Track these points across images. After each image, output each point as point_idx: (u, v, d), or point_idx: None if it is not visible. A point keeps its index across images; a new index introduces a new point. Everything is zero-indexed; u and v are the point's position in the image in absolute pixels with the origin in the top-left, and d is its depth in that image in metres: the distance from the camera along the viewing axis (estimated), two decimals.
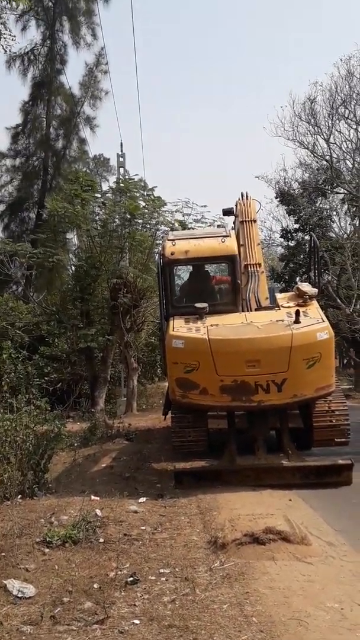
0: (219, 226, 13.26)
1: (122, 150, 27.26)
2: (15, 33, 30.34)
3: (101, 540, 7.15)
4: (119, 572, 6.09)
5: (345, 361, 45.78)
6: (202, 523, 7.96)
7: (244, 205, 13.67)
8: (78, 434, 15.59)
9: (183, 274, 13.15)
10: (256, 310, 11.45)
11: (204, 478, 10.15)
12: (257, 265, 12.44)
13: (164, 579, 6.00)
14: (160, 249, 12.97)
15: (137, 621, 5.04)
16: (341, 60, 27.13)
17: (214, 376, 10.02)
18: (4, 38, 11.06)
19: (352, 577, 5.96)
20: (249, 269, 12.29)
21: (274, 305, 11.52)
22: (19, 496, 9.26)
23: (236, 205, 14.22)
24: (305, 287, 11.31)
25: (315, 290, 11.31)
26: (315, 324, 10.34)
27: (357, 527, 7.78)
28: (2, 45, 11.36)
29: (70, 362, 22.60)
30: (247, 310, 11.46)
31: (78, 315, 19.45)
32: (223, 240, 11.72)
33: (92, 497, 9.21)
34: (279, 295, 11.92)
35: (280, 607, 5.26)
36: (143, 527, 7.81)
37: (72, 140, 34.08)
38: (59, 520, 7.89)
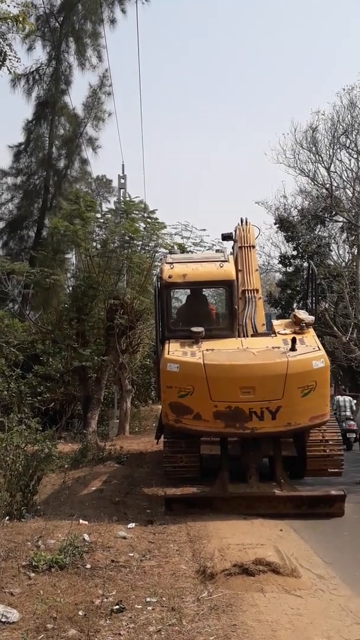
0: (217, 251, 13.25)
1: (123, 172, 27.47)
2: (21, 53, 30.76)
3: (88, 566, 7.05)
4: (105, 600, 5.99)
5: (342, 389, 45.64)
6: (191, 551, 7.86)
7: (243, 230, 13.71)
8: (69, 455, 15.46)
9: (180, 296, 13.13)
10: (252, 336, 11.42)
11: (194, 505, 10.05)
12: (255, 291, 12.44)
13: (150, 608, 5.90)
14: (158, 271, 12.95)
15: None
16: (344, 90, 27.48)
17: (208, 401, 9.94)
18: (9, 59, 11.14)
19: (341, 612, 5.87)
20: (247, 295, 12.28)
21: (270, 331, 11.48)
22: (7, 518, 9.14)
23: (235, 231, 14.27)
24: (302, 314, 11.27)
25: (312, 318, 11.27)
26: (311, 352, 10.29)
27: (348, 560, 7.69)
28: (7, 67, 11.42)
29: (64, 382, 22.49)
30: (244, 336, 11.43)
31: (73, 335, 19.36)
32: (221, 265, 11.69)
33: (81, 521, 9.11)
34: (275, 322, 11.86)
35: None
36: (131, 554, 7.70)
37: (74, 161, 34.25)
38: (46, 544, 7.78)
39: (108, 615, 5.67)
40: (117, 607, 5.82)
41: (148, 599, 6.10)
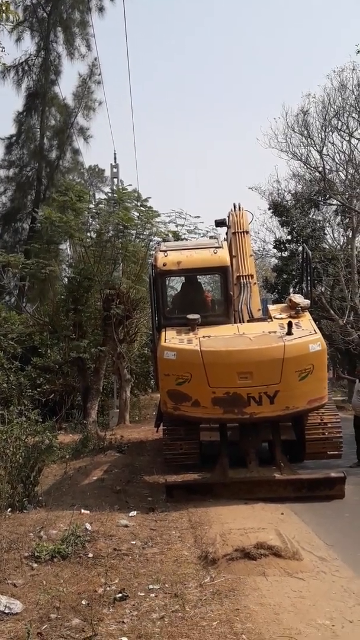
0: (211, 237, 13.22)
1: (115, 161, 27.32)
2: (10, 44, 30.55)
3: (90, 555, 7.07)
4: (108, 588, 6.01)
5: (340, 371, 45.71)
6: (193, 537, 7.89)
7: (236, 216, 13.67)
8: (70, 445, 15.49)
9: (176, 284, 13.11)
10: (248, 321, 11.41)
11: (195, 491, 10.07)
12: (250, 277, 12.43)
13: (153, 595, 5.92)
14: (152, 259, 12.93)
15: (125, 638, 4.96)
16: (334, 72, 27.33)
17: (206, 388, 9.95)
18: None
19: (344, 593, 5.89)
20: (241, 281, 12.26)
21: (266, 316, 11.47)
22: (9, 509, 9.17)
23: (228, 217, 14.23)
24: (298, 298, 11.26)
25: (307, 302, 11.25)
26: (308, 335, 10.28)
27: (349, 541, 7.72)
28: None
29: (63, 373, 22.49)
30: (240, 322, 11.43)
31: (71, 326, 19.34)
32: (215, 251, 11.66)
33: (82, 510, 9.14)
34: (271, 307, 11.86)
35: (271, 624, 5.18)
36: (133, 542, 7.73)
37: (65, 151, 34.06)
38: (48, 535, 7.80)
39: (111, 603, 5.70)
40: (120, 595, 5.85)
41: (151, 586, 6.13)
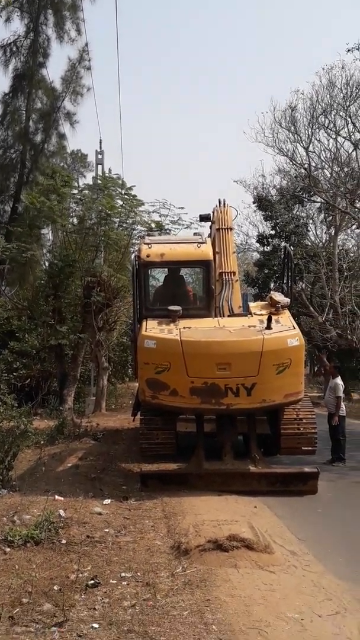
0: (195, 234, 13.33)
1: (100, 147, 27.16)
2: None
3: (63, 541, 7.09)
4: (80, 575, 6.03)
5: (315, 369, 46.04)
6: (166, 527, 7.93)
7: (220, 212, 13.73)
8: (45, 431, 15.43)
9: (158, 276, 13.15)
10: (229, 316, 11.48)
11: (170, 481, 10.12)
12: (232, 274, 12.52)
13: (125, 583, 5.96)
14: (136, 251, 13.00)
15: (96, 625, 4.99)
16: (323, 69, 27.26)
17: (185, 378, 10.02)
18: None
19: (313, 588, 5.97)
20: (224, 277, 12.35)
21: (246, 312, 11.57)
22: None
23: (213, 212, 14.28)
24: (278, 296, 11.40)
25: (287, 300, 11.40)
26: (287, 330, 10.43)
27: (321, 536, 7.82)
28: None
29: (40, 359, 22.36)
30: (221, 317, 11.50)
31: (50, 311, 19.23)
32: (199, 245, 11.88)
33: (56, 497, 9.13)
34: (251, 304, 12.04)
35: (241, 615, 5.24)
36: (106, 530, 7.76)
37: (51, 135, 33.63)
38: (21, 520, 7.80)
39: (83, 590, 5.72)
40: (92, 582, 5.87)
41: (123, 574, 6.16)
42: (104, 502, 9.16)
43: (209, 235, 14.03)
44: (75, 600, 5.48)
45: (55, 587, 5.74)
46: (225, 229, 13.39)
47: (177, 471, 10.62)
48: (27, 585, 5.74)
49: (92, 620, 5.09)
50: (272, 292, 12.74)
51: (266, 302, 11.59)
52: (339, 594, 5.85)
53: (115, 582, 5.98)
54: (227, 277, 12.39)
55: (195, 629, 4.94)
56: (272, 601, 5.60)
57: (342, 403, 13.16)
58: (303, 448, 11.01)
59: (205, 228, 15.96)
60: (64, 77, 33.82)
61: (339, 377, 13.49)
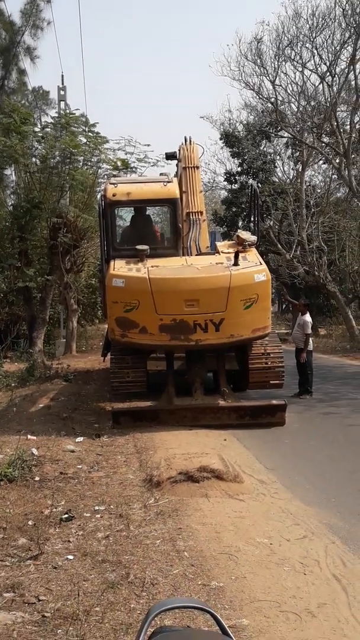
0: (161, 174, 13.16)
1: (62, 83, 26.50)
2: None
3: (37, 478, 7.19)
4: (54, 510, 6.15)
5: (283, 306, 46.50)
6: (138, 462, 8.08)
7: (187, 150, 13.54)
8: (15, 374, 15.48)
9: (125, 215, 13.05)
10: (197, 256, 11.50)
11: (141, 418, 10.27)
12: (199, 214, 12.47)
13: (98, 515, 6.09)
14: (102, 191, 12.85)
15: (71, 557, 5.11)
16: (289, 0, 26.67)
17: (154, 315, 10.09)
18: None
19: (282, 514, 6.17)
20: (191, 217, 12.29)
21: (214, 251, 11.60)
22: None
23: (179, 150, 14.07)
24: (245, 234, 11.41)
25: (254, 238, 11.42)
26: (254, 266, 10.53)
27: (288, 466, 8.05)
28: None
29: (8, 302, 22.24)
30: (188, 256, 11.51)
31: (16, 254, 18.95)
32: (165, 184, 11.85)
33: (29, 436, 9.22)
34: (219, 243, 12.09)
35: (212, 542, 5.41)
36: (79, 466, 7.88)
37: (11, 71, 32.55)
38: None
39: (57, 524, 5.84)
40: (66, 516, 5.99)
41: (96, 508, 6.29)
42: (77, 440, 9.28)
43: (176, 174, 13.90)
44: (50, 534, 5.60)
45: (30, 522, 5.84)
46: (191, 167, 13.25)
47: (148, 407, 10.78)
48: (2, 522, 5.83)
49: (66, 552, 5.21)
50: (239, 230, 12.74)
51: (233, 241, 11.61)
52: (306, 519, 6.05)
53: (89, 515, 6.11)
54: (194, 217, 12.34)
55: (168, 556, 5.10)
56: (241, 527, 5.78)
57: (310, 339, 13.36)
58: (271, 382, 11.22)
59: (171, 166, 15.78)
60: (23, 11, 32.49)
61: (308, 314, 13.64)
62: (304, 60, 25.83)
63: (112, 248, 11.52)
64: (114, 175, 14.36)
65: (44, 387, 14.13)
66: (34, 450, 8.24)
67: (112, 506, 6.35)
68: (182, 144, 13.96)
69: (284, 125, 28.19)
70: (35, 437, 9.22)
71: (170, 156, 14.84)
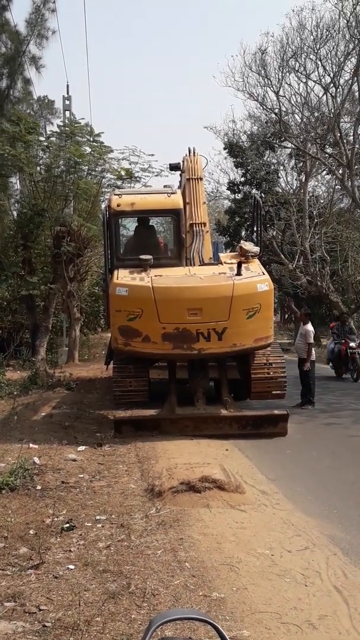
0: (165, 186, 13.27)
1: (68, 93, 26.53)
2: None
3: (38, 487, 7.18)
4: (55, 519, 6.14)
5: (285, 316, 46.46)
6: (139, 471, 8.07)
7: (190, 162, 13.65)
8: (18, 382, 15.47)
9: (129, 225, 13.12)
10: (200, 266, 11.58)
11: (143, 427, 10.27)
12: (202, 225, 12.56)
13: (100, 525, 6.08)
14: (106, 201, 12.97)
15: (72, 566, 5.10)
16: (293, 11, 26.80)
17: (157, 324, 10.13)
18: None
19: (283, 525, 6.16)
20: (194, 228, 12.38)
21: (217, 262, 11.67)
22: None
23: (183, 161, 14.17)
24: (248, 245, 11.49)
25: (257, 249, 11.51)
26: (256, 276, 10.61)
27: (290, 476, 8.04)
28: None
29: (11, 310, 22.24)
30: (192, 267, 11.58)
31: (20, 262, 19.02)
32: (169, 195, 11.96)
33: (31, 445, 9.22)
34: (222, 255, 12.18)
35: (213, 552, 5.40)
36: (81, 475, 7.87)
37: (16, 80, 32.73)
38: None
39: (58, 533, 5.83)
40: (68, 525, 5.98)
41: (98, 517, 6.28)
42: (78, 449, 9.27)
43: (179, 185, 14.00)
44: (51, 544, 5.59)
45: (31, 532, 5.84)
46: (195, 178, 13.36)
47: (150, 417, 10.76)
48: (3, 530, 5.83)
49: (67, 562, 5.21)
50: (242, 241, 12.82)
51: (236, 252, 11.69)
52: (308, 530, 6.04)
53: (90, 524, 6.10)
54: (197, 228, 12.42)
55: (169, 567, 5.09)
56: (243, 538, 5.77)
57: (312, 349, 13.36)
58: (273, 392, 11.21)
59: (175, 177, 15.89)
60: (29, 20, 32.71)
61: (310, 324, 13.64)
62: (307, 72, 25.90)
63: (115, 258, 11.59)
64: (119, 187, 14.49)
65: (46, 396, 14.12)
66: (36, 459, 8.24)
67: (113, 516, 6.34)
68: (186, 155, 14.05)
69: (288, 136, 28.23)
70: (37, 446, 9.22)
71: (174, 167, 14.94)
